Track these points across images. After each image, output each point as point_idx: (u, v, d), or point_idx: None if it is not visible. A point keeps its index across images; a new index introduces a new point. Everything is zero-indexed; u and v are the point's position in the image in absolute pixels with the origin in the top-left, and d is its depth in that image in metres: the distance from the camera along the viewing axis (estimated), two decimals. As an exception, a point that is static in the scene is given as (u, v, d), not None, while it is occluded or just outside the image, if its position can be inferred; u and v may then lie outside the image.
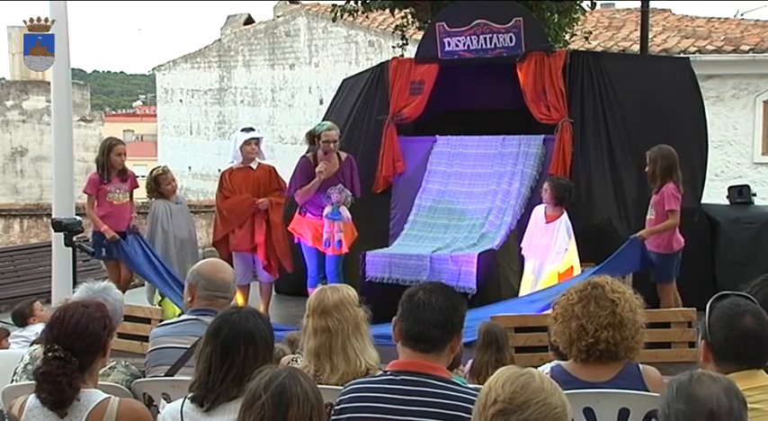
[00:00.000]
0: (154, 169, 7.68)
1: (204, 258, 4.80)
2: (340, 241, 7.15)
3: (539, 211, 7.06)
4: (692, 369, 2.32)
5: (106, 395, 2.92)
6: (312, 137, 7.32)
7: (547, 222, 6.91)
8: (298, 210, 7.34)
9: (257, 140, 7.39)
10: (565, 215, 6.88)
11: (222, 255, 7.04)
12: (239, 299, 7.22)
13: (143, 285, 7.67)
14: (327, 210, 7.15)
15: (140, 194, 8.02)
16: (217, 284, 3.77)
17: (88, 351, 2.91)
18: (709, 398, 2.13)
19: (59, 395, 2.82)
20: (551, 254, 6.81)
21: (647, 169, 6.58)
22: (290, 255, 7.55)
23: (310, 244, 7.24)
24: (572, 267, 6.78)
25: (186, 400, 2.86)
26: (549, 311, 6.71)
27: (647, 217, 6.60)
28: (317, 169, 7.14)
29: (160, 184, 7.42)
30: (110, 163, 7.18)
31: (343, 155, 7.39)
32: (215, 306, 3.68)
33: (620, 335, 3.17)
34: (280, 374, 2.37)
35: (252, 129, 7.59)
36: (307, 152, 7.50)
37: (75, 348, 2.86)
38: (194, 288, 3.80)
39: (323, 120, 8.15)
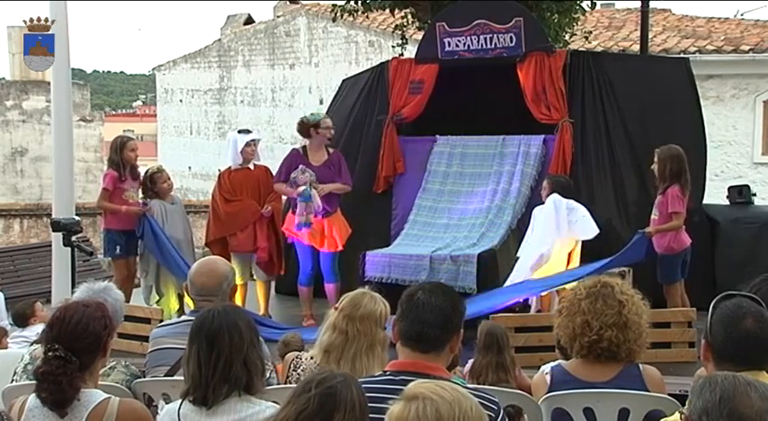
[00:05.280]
0: (149, 169, 7.67)
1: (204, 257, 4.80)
2: (309, 223, 7.07)
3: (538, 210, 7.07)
4: (695, 369, 2.30)
5: (106, 395, 2.92)
6: (308, 127, 7.26)
7: None
8: (291, 210, 7.32)
9: (256, 142, 7.50)
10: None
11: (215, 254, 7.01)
12: (237, 298, 7.23)
13: (139, 286, 7.66)
14: (301, 189, 7.05)
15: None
16: (197, 288, 3.80)
17: (89, 350, 2.91)
18: (755, 418, 2.04)
19: (60, 395, 2.82)
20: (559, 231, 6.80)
21: (653, 167, 6.58)
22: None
23: (307, 242, 7.22)
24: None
25: (185, 403, 2.86)
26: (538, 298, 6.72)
27: (651, 217, 6.60)
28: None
29: (156, 183, 7.40)
30: (124, 160, 7.21)
31: (331, 149, 7.41)
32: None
33: (623, 336, 3.19)
34: (336, 377, 2.36)
35: (249, 131, 7.70)
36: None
37: (75, 348, 2.87)
38: (187, 289, 3.88)
39: (323, 119, 8.14)
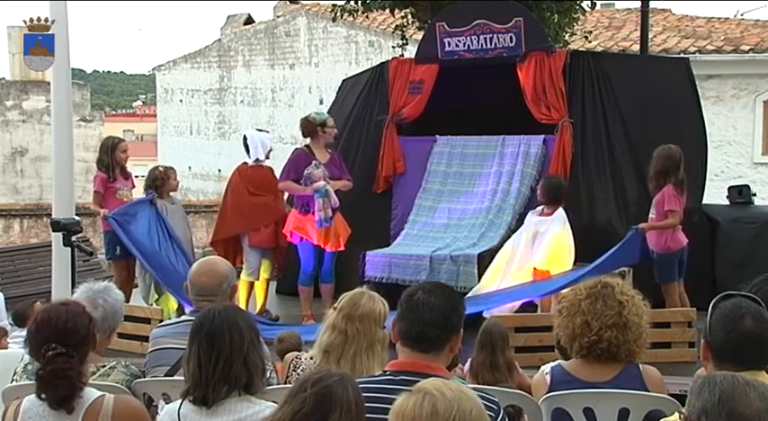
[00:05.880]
0: (159, 166, 7.74)
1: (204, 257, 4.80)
2: (330, 219, 7.08)
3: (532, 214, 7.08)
4: (695, 369, 2.30)
5: (100, 392, 2.93)
6: (315, 126, 7.28)
7: (540, 215, 6.94)
8: (298, 210, 7.28)
9: None
10: (561, 209, 6.88)
11: (219, 254, 6.99)
12: (241, 297, 7.21)
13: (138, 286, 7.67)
14: (320, 184, 7.05)
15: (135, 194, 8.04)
16: (197, 288, 3.79)
17: (82, 344, 2.94)
18: (754, 418, 2.03)
19: (70, 390, 2.83)
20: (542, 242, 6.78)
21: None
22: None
23: (315, 241, 7.18)
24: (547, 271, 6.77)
25: (185, 402, 2.86)
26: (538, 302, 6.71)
27: (649, 216, 6.60)
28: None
29: (168, 178, 7.46)
30: (115, 161, 7.30)
31: (329, 149, 7.45)
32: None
33: (623, 337, 3.19)
34: (332, 376, 2.36)
35: (267, 131, 7.94)
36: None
37: (71, 343, 2.89)
38: (187, 290, 3.87)
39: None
